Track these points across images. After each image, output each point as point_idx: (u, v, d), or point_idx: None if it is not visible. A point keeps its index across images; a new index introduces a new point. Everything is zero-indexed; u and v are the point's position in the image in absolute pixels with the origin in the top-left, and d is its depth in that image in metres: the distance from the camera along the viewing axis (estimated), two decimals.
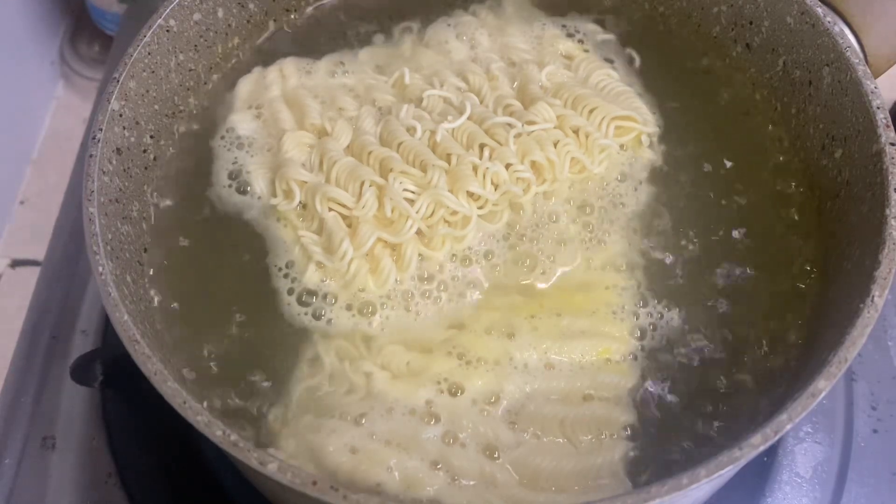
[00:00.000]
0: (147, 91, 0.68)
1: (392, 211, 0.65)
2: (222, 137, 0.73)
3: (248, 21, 0.79)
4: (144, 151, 0.68)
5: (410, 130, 0.69)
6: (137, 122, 0.67)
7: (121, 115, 0.65)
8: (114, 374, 0.73)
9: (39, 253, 0.93)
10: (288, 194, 0.68)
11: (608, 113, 0.70)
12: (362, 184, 0.66)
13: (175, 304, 0.64)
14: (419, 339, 0.62)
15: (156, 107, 0.70)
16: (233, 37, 0.78)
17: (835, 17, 0.70)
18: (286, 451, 0.58)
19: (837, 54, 0.65)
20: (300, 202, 0.68)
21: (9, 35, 1.25)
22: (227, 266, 0.66)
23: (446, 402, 0.60)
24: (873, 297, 0.53)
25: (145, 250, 0.66)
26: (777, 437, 0.49)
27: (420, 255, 0.65)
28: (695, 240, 0.67)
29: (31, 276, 0.93)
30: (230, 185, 0.70)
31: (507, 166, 0.67)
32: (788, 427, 0.49)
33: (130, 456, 0.75)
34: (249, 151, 0.72)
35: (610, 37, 0.79)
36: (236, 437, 0.49)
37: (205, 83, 0.76)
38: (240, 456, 0.48)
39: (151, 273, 0.65)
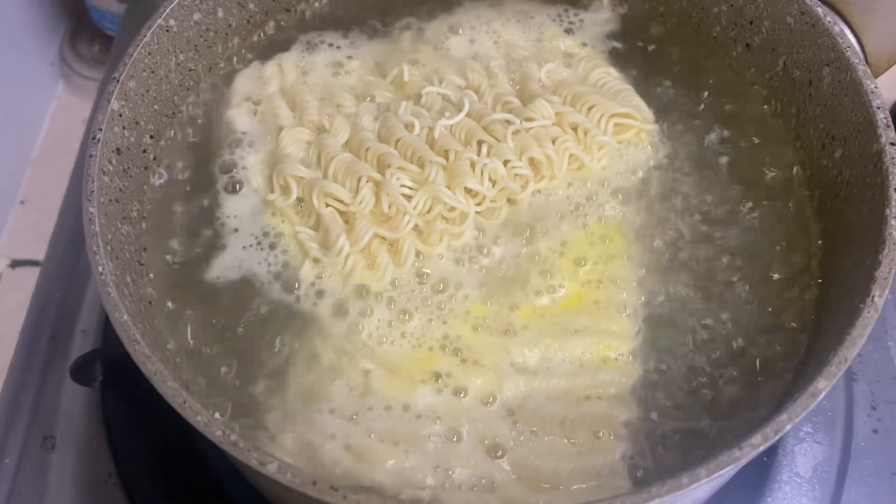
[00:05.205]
0: (147, 91, 0.68)
1: (389, 207, 0.65)
2: (221, 134, 0.73)
3: (248, 21, 0.79)
4: (144, 151, 0.68)
5: (409, 127, 0.69)
6: (137, 122, 0.67)
7: (121, 115, 0.65)
8: (114, 374, 0.73)
9: (39, 253, 0.93)
10: (285, 190, 0.68)
11: (607, 110, 0.70)
12: (359, 179, 0.66)
13: (174, 304, 0.64)
14: (417, 337, 0.62)
15: (156, 107, 0.70)
16: (233, 37, 0.78)
17: (835, 17, 0.70)
18: (284, 448, 0.58)
19: (837, 54, 0.65)
20: (297, 198, 0.68)
21: (9, 35, 1.25)
22: (224, 264, 0.66)
23: (445, 400, 0.60)
24: (873, 297, 0.53)
25: (145, 250, 0.66)
26: (777, 437, 0.49)
27: (417, 251, 0.65)
28: (695, 239, 0.67)
29: (31, 276, 0.93)
30: (228, 182, 0.70)
31: (506, 163, 0.67)
32: (788, 427, 0.49)
33: (130, 456, 0.75)
34: (247, 147, 0.72)
35: (610, 36, 0.79)
36: (236, 437, 0.49)
37: (205, 83, 0.76)
38: (240, 456, 0.48)
39: (151, 273, 0.65)
